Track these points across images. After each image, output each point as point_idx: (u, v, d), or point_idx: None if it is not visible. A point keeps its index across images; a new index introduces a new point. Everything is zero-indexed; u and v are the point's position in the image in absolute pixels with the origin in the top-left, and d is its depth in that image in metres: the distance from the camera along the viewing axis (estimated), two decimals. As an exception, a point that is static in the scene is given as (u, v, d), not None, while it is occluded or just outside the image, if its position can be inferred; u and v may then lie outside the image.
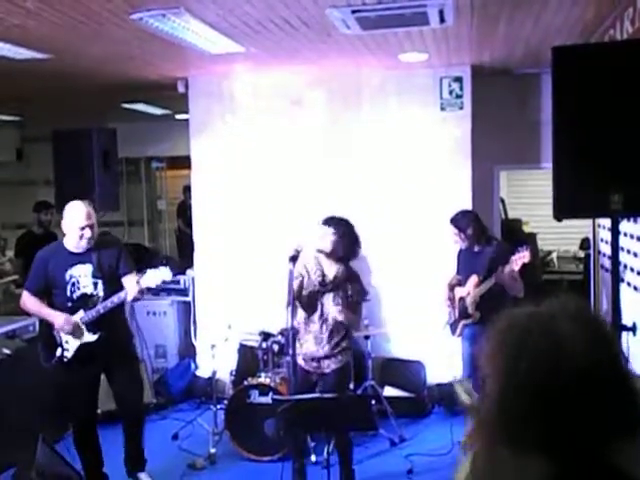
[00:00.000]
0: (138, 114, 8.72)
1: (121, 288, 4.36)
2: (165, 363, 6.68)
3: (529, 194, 9.23)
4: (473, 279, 5.09)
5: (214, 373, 5.57)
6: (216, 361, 5.52)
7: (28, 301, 4.43)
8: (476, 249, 5.19)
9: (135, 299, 4.33)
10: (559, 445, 1.09)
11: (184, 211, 9.60)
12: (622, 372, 1.13)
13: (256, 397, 5.06)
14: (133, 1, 3.78)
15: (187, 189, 8.73)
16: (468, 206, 6.10)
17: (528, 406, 1.11)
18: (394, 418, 5.47)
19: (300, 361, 4.37)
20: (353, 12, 4.13)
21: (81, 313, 4.33)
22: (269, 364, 5.32)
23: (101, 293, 4.36)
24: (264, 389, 5.02)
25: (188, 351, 6.74)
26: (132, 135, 8.63)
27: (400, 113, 6.23)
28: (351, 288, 4.42)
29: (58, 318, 4.32)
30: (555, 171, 3.02)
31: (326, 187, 6.31)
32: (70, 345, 4.36)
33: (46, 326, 4.43)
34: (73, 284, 4.33)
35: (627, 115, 2.86)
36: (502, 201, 8.12)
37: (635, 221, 4.11)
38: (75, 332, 4.31)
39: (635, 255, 4.18)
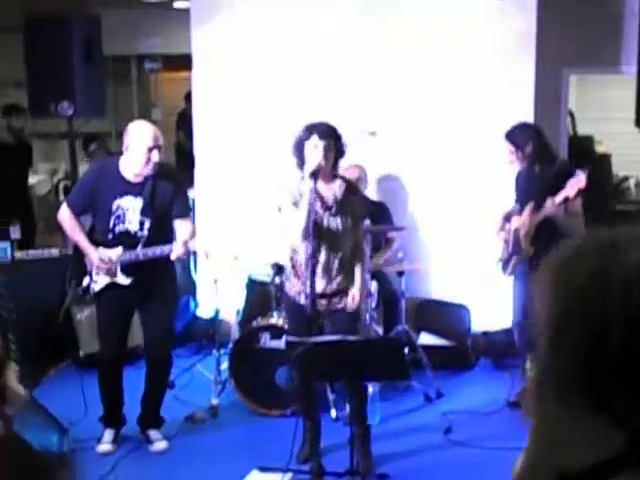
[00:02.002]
0: (125, 1, 8.57)
1: (170, 231, 4.57)
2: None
3: (604, 106, 9.04)
4: (529, 207, 5.07)
5: (217, 312, 5.63)
6: (220, 299, 5.57)
7: (67, 221, 4.63)
8: (537, 170, 5.13)
9: (179, 259, 4.51)
10: (630, 407, 1.06)
11: (185, 122, 9.54)
12: None
13: (267, 341, 5.11)
14: None
15: (189, 96, 8.66)
16: (529, 118, 6.00)
17: (585, 359, 1.08)
18: (430, 370, 5.51)
19: (303, 300, 4.37)
20: None
21: (119, 250, 4.51)
22: (283, 302, 5.35)
23: (146, 233, 4.50)
24: (276, 332, 5.06)
25: (187, 287, 6.79)
26: (120, 27, 8.49)
27: (448, 3, 6.06)
28: (354, 201, 4.44)
29: (93, 255, 4.53)
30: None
31: (355, 93, 6.20)
32: (100, 279, 4.58)
33: (78, 251, 4.64)
34: (118, 217, 4.49)
35: None
36: (571, 114, 7.96)
37: None
38: (109, 271, 4.52)
39: None
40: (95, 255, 4.52)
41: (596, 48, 6.49)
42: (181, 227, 4.61)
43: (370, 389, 4.97)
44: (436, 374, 5.54)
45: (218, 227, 6.51)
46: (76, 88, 5.79)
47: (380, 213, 5.84)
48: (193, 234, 4.59)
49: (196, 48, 6.53)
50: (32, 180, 8.63)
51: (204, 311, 6.48)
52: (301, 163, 4.31)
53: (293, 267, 4.48)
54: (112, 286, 4.58)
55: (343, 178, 4.52)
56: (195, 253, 5.11)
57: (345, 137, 4.48)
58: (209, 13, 6.43)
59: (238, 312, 5.75)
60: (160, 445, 4.76)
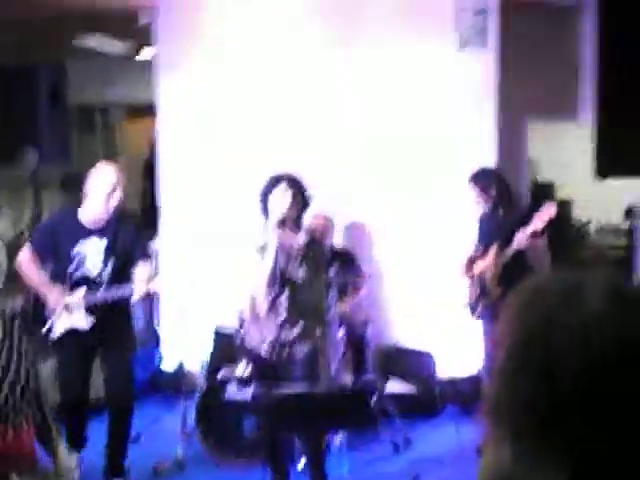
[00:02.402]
0: (90, 52, 8.60)
1: (130, 275, 4.61)
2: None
3: (564, 153, 9.18)
4: (494, 248, 5.14)
5: (181, 364, 5.58)
6: (185, 350, 5.53)
7: (27, 262, 4.59)
8: (500, 213, 5.22)
9: (140, 301, 4.73)
10: (581, 444, 1.08)
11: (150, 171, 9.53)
12: None
13: (233, 392, 5.07)
14: None
15: (153, 145, 8.66)
16: (490, 165, 6.09)
17: (543, 396, 1.11)
18: (398, 418, 5.49)
19: (264, 350, 4.39)
20: None
21: (81, 293, 4.51)
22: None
23: (106, 278, 4.57)
24: (242, 382, 5.03)
25: (150, 339, 6.73)
26: (84, 77, 8.52)
27: (407, 51, 6.18)
28: (318, 252, 4.49)
29: (53, 292, 4.52)
30: (599, 117, 3.01)
31: (318, 139, 6.26)
32: (59, 324, 4.56)
33: (35, 297, 4.63)
34: (79, 262, 4.52)
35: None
36: (531, 161, 8.09)
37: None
38: (67, 312, 4.51)
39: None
40: (55, 291, 4.52)
41: (555, 97, 6.63)
42: (140, 270, 4.64)
43: (337, 439, 4.95)
44: (404, 422, 5.53)
45: (183, 278, 6.49)
46: (41, 137, 5.79)
47: (347, 261, 5.86)
48: (152, 276, 4.67)
49: (162, 95, 6.55)
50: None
51: (169, 362, 6.41)
52: (266, 212, 4.35)
53: (252, 317, 4.48)
54: (71, 332, 4.57)
55: (308, 229, 4.56)
56: (156, 296, 5.10)
57: (310, 186, 4.53)
58: (173, 61, 6.46)
59: (204, 363, 5.71)
60: None
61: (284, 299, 4.37)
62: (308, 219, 4.79)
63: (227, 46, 6.39)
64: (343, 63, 6.25)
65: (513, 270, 4.96)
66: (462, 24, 6.07)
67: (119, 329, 4.72)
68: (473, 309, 5.34)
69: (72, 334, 4.58)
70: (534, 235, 4.92)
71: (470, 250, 5.43)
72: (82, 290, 4.52)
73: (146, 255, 4.77)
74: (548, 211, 4.88)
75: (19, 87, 5.83)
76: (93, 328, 4.56)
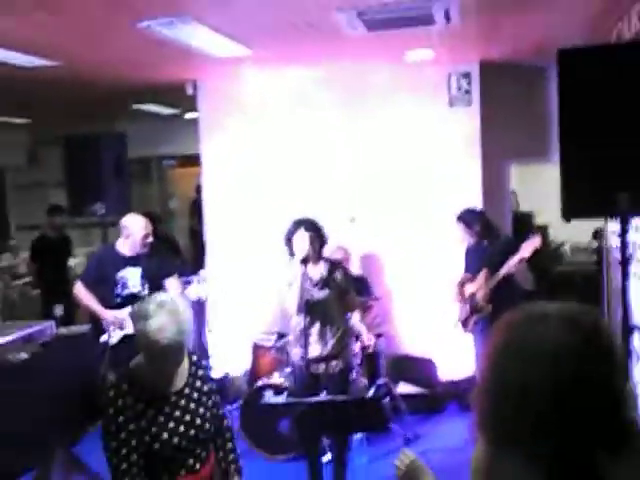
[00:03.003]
0: (148, 114, 8.80)
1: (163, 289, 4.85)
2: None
3: (542, 186, 9.18)
4: (483, 273, 5.18)
5: (227, 374, 5.64)
6: (230, 361, 5.59)
7: (81, 292, 4.95)
8: (485, 244, 5.28)
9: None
10: (543, 450, 1.12)
11: (196, 210, 9.66)
12: (613, 387, 1.14)
13: (270, 397, 5.12)
14: (140, 10, 3.83)
15: (199, 188, 8.79)
16: (478, 201, 6.14)
17: (512, 410, 1.15)
18: (408, 415, 5.51)
19: (298, 363, 4.47)
20: (359, 14, 4.15)
21: (129, 309, 4.60)
22: (284, 364, 5.38)
23: (147, 292, 4.81)
24: (278, 389, 5.08)
25: (200, 351, 6.80)
26: (143, 135, 8.72)
27: (409, 110, 6.24)
28: (338, 276, 4.49)
29: (107, 314, 4.85)
30: (562, 171, 3.05)
31: (335, 186, 6.34)
32: (115, 334, 4.85)
33: (93, 316, 4.99)
34: (123, 284, 4.85)
35: (633, 115, 2.87)
36: (514, 194, 8.09)
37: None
38: (121, 326, 4.80)
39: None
40: (109, 314, 4.83)
41: (530, 142, 6.65)
42: (170, 283, 4.96)
43: (358, 435, 4.98)
44: (413, 418, 5.55)
45: (227, 301, 6.58)
46: (107, 193, 5.92)
47: (361, 285, 5.91)
48: (181, 286, 5.05)
49: (205, 152, 6.68)
50: (72, 262, 8.66)
51: (217, 372, 6.46)
52: (291, 252, 4.41)
53: (294, 336, 4.54)
54: (125, 339, 4.73)
55: (327, 259, 4.61)
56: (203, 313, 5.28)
57: (329, 225, 4.59)
58: (213, 124, 6.60)
59: (245, 373, 5.77)
60: None
61: (316, 320, 4.42)
62: (329, 252, 4.84)
63: (258, 109, 6.51)
64: (355, 125, 6.33)
65: (502, 290, 5.04)
66: (451, 86, 6.14)
67: None
68: (465, 325, 5.38)
69: (125, 340, 4.74)
70: (521, 261, 5.01)
71: (459, 276, 5.48)
72: (129, 306, 4.61)
73: (172, 273, 5.01)
74: (534, 242, 4.94)
75: (89, 152, 5.97)
76: None
